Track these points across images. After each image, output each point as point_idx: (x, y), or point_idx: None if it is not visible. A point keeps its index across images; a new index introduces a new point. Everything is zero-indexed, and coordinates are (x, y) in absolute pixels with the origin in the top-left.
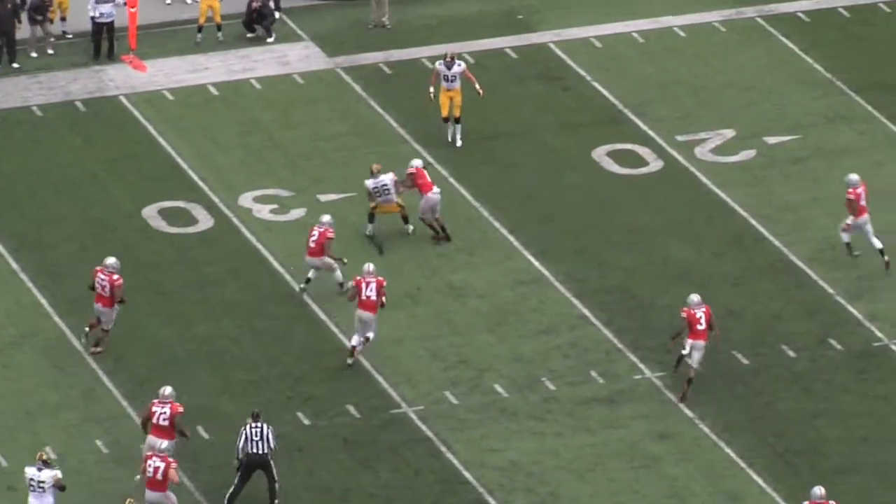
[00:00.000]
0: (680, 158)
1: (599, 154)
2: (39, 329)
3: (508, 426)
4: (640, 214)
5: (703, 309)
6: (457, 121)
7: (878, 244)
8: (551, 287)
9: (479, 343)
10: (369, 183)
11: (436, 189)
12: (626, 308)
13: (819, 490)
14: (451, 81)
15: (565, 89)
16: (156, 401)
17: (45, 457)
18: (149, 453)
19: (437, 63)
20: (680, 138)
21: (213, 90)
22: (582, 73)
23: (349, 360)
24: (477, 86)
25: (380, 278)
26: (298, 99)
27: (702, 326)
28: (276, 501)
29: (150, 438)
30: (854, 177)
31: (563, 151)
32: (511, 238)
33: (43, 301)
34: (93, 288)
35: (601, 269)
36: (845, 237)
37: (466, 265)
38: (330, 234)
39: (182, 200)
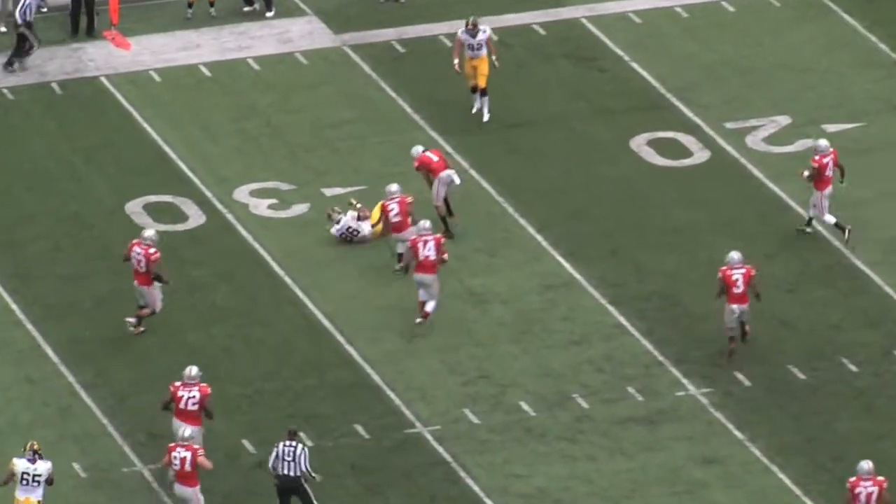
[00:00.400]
0: (728, 148)
1: (638, 143)
2: (10, 339)
3: (535, 448)
4: (683, 211)
5: (743, 270)
6: (483, 92)
7: (832, 219)
8: (583, 292)
9: (501, 355)
10: (334, 230)
11: (450, 169)
12: (668, 316)
13: (867, 465)
14: (477, 50)
15: (600, 71)
16: (179, 384)
17: (36, 446)
18: (171, 445)
19: (459, 31)
20: (729, 126)
21: (204, 71)
22: (618, 52)
23: (418, 320)
24: (494, 57)
25: (437, 235)
26: (301, 81)
27: (738, 289)
28: None
29: (176, 422)
30: (823, 143)
31: (597, 140)
32: (538, 237)
33: (14, 307)
34: (127, 260)
35: (639, 272)
36: (829, 218)
37: (488, 268)
38: (410, 199)
39: (170, 194)
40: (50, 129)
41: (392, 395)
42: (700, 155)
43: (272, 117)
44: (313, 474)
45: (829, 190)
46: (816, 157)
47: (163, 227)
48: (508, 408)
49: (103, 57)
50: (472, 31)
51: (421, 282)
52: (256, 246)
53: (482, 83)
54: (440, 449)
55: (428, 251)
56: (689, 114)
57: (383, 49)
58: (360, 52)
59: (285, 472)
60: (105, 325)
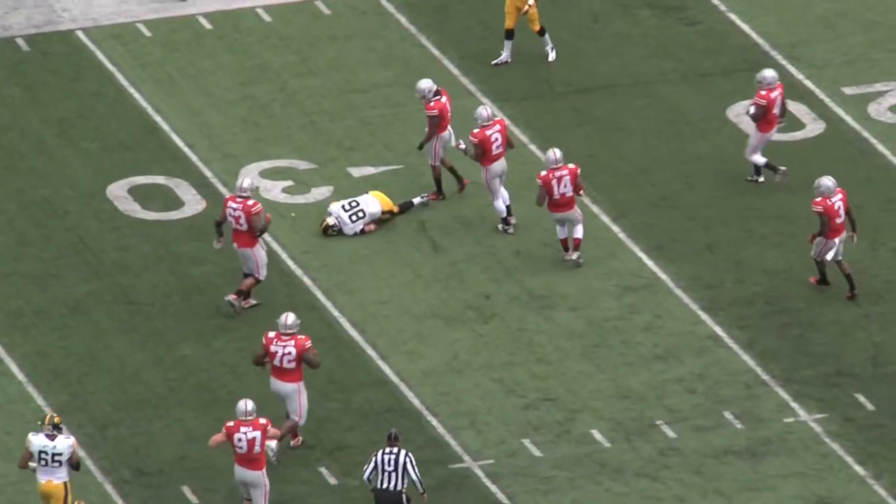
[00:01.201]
0: (848, 119)
1: (738, 113)
2: None
3: (611, 487)
4: (792, 196)
5: (840, 196)
6: (541, 32)
7: (761, 160)
8: (670, 296)
9: (570, 373)
10: (347, 229)
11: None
12: (774, 326)
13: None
14: None
15: (690, 23)
16: (273, 334)
17: (57, 419)
18: (230, 424)
19: None
20: (848, 91)
21: (204, 23)
22: (713, 0)
23: (574, 255)
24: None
25: (571, 165)
26: (322, 35)
27: (841, 219)
28: None
29: (239, 404)
30: (770, 73)
31: (687, 109)
32: (615, 228)
33: None
34: (220, 224)
35: (739, 271)
36: (758, 158)
37: (553, 266)
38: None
39: (161, 175)
40: (14, 95)
41: (435, 423)
42: (813, 127)
43: (287, 80)
44: (422, 486)
45: (772, 133)
46: (763, 92)
47: (153, 216)
48: (578, 438)
49: (80, 6)
50: None
51: (561, 219)
52: (268, 238)
53: (535, 26)
54: (494, 488)
55: (564, 188)
56: (800, 76)
57: None
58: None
59: (384, 484)
60: (81, 335)
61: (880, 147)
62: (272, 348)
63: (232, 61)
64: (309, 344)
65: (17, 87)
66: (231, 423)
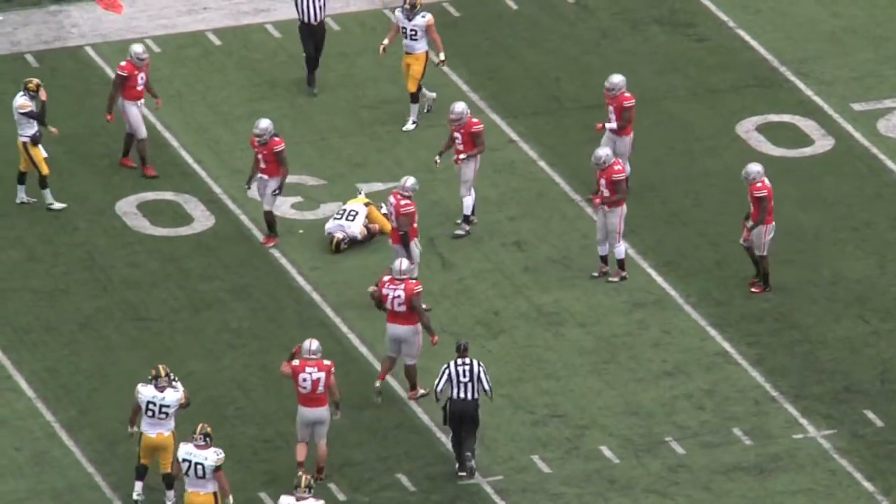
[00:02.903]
0: (857, 135)
1: (746, 129)
2: None
3: (620, 503)
4: (801, 212)
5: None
6: (414, 98)
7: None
8: (679, 312)
9: (579, 389)
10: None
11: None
12: (783, 342)
13: None
14: (412, 39)
15: (699, 40)
16: (388, 278)
17: (166, 371)
18: (295, 363)
19: (396, 11)
20: (857, 107)
21: (213, 39)
22: (722, 16)
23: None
24: (441, 55)
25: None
26: (332, 51)
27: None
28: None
29: (305, 343)
30: (618, 78)
31: (696, 126)
32: (624, 244)
33: None
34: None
35: (748, 287)
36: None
37: (562, 281)
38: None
39: (170, 191)
40: None
41: (444, 439)
42: (822, 143)
43: (296, 96)
44: (492, 394)
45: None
46: (628, 95)
47: (162, 232)
48: (587, 454)
49: (89, 22)
50: (409, 10)
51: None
52: (277, 255)
53: (411, 87)
54: None
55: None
56: (809, 93)
57: (434, 13)
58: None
59: (461, 395)
60: (90, 351)
61: (889, 163)
62: (384, 291)
63: (241, 77)
64: (418, 289)
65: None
66: (296, 363)
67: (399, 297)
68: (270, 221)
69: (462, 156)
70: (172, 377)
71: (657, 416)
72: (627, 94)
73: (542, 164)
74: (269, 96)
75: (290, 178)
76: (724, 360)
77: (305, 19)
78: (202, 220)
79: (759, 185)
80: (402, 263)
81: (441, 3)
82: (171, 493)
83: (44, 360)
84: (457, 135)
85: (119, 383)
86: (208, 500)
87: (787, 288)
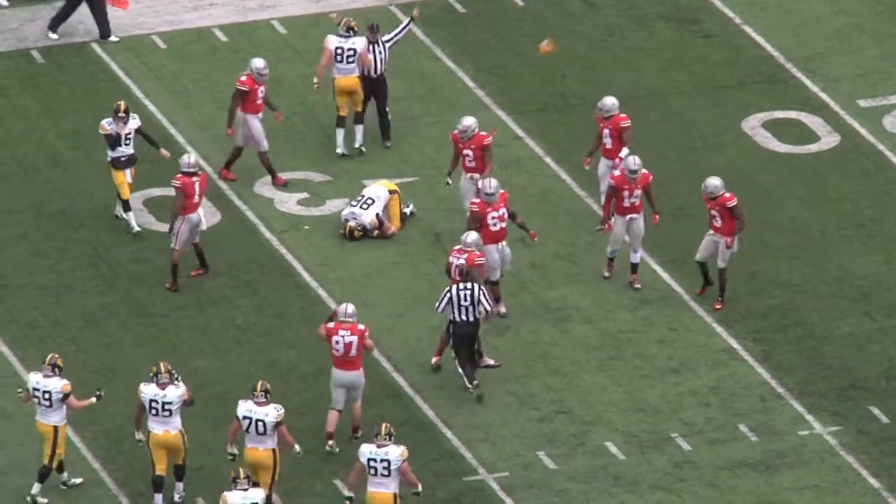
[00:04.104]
0: (863, 132)
1: (752, 125)
2: None
3: (625, 500)
4: (807, 209)
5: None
6: (359, 118)
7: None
8: (685, 309)
9: (584, 386)
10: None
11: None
12: (789, 339)
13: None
14: (349, 63)
15: (705, 36)
16: (457, 248)
17: (167, 368)
18: (330, 325)
19: (329, 36)
20: (863, 104)
21: (219, 35)
22: (728, 13)
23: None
24: (366, 68)
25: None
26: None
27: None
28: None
29: (341, 307)
30: (611, 100)
31: (701, 122)
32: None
33: None
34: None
35: (754, 283)
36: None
37: (568, 278)
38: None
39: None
40: (29, 107)
41: (449, 435)
42: (828, 140)
43: (304, 92)
44: (489, 313)
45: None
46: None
47: (168, 228)
48: (593, 450)
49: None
50: (346, 33)
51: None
52: (283, 251)
53: (359, 105)
54: (508, 500)
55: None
56: (815, 89)
57: (440, 9)
58: (410, 12)
59: (463, 317)
60: (96, 347)
61: (895, 160)
62: (450, 259)
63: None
64: (480, 260)
65: (32, 99)
66: (331, 325)
67: (461, 265)
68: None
69: (476, 175)
70: (174, 374)
71: (663, 413)
72: (623, 115)
73: (548, 160)
74: (275, 92)
75: (296, 174)
76: (729, 357)
77: (364, 72)
78: (208, 216)
79: (727, 195)
80: (469, 237)
81: None
82: (179, 486)
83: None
84: (467, 151)
85: (125, 379)
86: (267, 456)
87: (793, 284)
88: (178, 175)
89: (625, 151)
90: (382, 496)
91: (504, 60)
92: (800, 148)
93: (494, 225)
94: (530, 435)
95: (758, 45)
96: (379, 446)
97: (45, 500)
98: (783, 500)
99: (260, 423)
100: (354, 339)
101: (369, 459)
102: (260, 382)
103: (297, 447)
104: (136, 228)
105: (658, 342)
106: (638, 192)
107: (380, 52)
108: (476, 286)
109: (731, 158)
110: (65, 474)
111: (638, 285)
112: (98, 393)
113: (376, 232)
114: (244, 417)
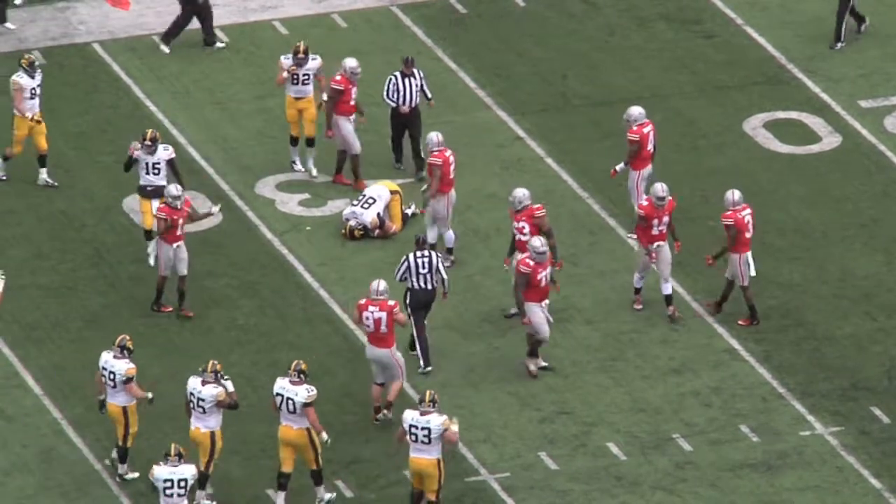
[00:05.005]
0: (864, 132)
1: (753, 126)
2: None
3: (627, 501)
4: (808, 209)
5: (749, 211)
6: (310, 142)
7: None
8: (686, 309)
9: (586, 386)
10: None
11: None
12: (790, 339)
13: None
14: (304, 84)
15: (706, 37)
16: (518, 213)
17: (214, 367)
18: (361, 302)
19: (281, 58)
20: (864, 104)
21: (221, 36)
22: (729, 13)
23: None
24: (324, 95)
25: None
26: (339, 48)
27: (750, 233)
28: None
29: (372, 284)
30: (638, 109)
31: (703, 123)
32: (631, 241)
33: None
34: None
35: (755, 284)
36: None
37: (569, 279)
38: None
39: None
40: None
41: None
42: (830, 140)
43: None
44: (448, 287)
45: (648, 169)
46: (634, 128)
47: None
48: (594, 451)
49: (96, 18)
50: (301, 58)
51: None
52: (285, 252)
53: (310, 131)
54: (510, 501)
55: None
56: (817, 90)
57: (440, 9)
58: (411, 12)
59: (422, 284)
60: (97, 348)
61: None
62: (516, 222)
63: (248, 74)
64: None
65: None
66: (363, 301)
67: (523, 227)
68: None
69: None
70: (221, 374)
71: (664, 413)
72: (635, 128)
73: (549, 161)
74: (277, 93)
75: (298, 175)
76: (731, 358)
77: (398, 103)
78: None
79: (727, 213)
80: (520, 193)
81: (448, 0)
82: (200, 493)
83: (51, 357)
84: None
85: None
86: (301, 436)
87: (795, 285)
88: (161, 206)
89: (620, 166)
90: (425, 462)
91: (505, 61)
92: (801, 148)
93: (542, 283)
94: (531, 435)
95: (759, 46)
96: (422, 414)
97: (136, 475)
98: (784, 500)
99: (290, 402)
100: (384, 314)
101: (411, 426)
102: (295, 362)
103: (324, 435)
104: (153, 263)
105: (660, 343)
106: (666, 219)
107: (415, 86)
108: (433, 254)
109: (733, 159)
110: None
111: (676, 315)
112: (151, 396)
113: (377, 231)
114: (277, 394)
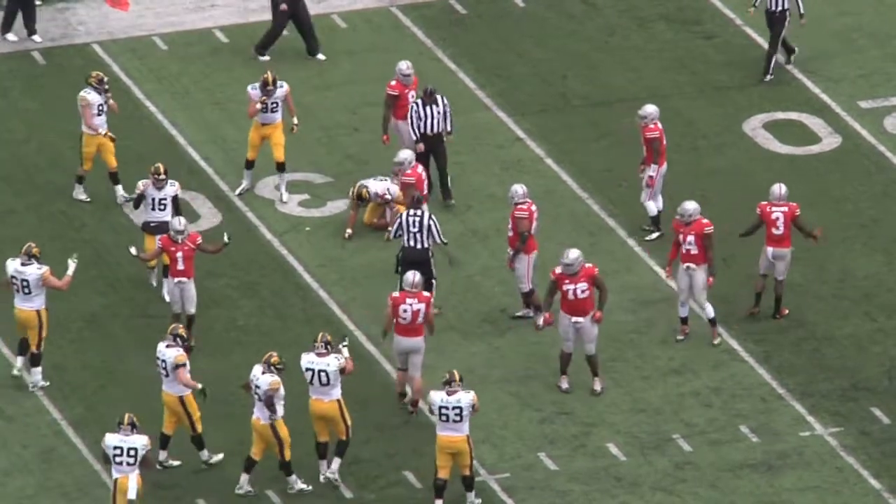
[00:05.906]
0: (864, 133)
1: (753, 126)
2: None
3: (627, 501)
4: (808, 210)
5: (784, 208)
6: (280, 167)
7: (654, 209)
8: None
9: (586, 387)
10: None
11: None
12: (790, 340)
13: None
14: (272, 112)
15: (706, 37)
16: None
17: (327, 337)
18: (395, 295)
19: (249, 87)
20: (864, 105)
21: (220, 36)
22: (729, 13)
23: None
24: (295, 119)
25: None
26: (339, 48)
27: (779, 231)
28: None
29: (407, 276)
30: (652, 108)
31: (702, 123)
32: (631, 242)
33: None
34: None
35: (756, 284)
36: (651, 207)
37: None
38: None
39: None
40: (31, 108)
41: None
42: (829, 141)
43: (304, 94)
44: (445, 242)
45: (665, 166)
46: (651, 125)
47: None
48: (594, 451)
49: (96, 19)
50: (270, 88)
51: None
52: (284, 252)
53: (280, 155)
54: (510, 501)
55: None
56: (816, 90)
57: (440, 10)
58: (411, 13)
59: (413, 243)
60: (97, 348)
61: None
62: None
63: (248, 75)
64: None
65: (33, 100)
66: (397, 294)
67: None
68: None
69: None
70: (279, 364)
71: (664, 414)
72: (651, 126)
73: (549, 161)
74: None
75: (297, 176)
76: (730, 358)
77: (421, 130)
78: (209, 217)
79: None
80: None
81: (448, 0)
82: (244, 478)
83: (51, 358)
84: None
85: (126, 380)
86: (333, 408)
87: (794, 285)
88: (163, 236)
89: (651, 170)
90: (457, 439)
91: (505, 62)
92: (801, 149)
93: (568, 295)
94: (531, 436)
95: (759, 47)
96: (449, 393)
97: (178, 462)
98: (784, 501)
99: (322, 374)
100: (422, 306)
101: (441, 407)
102: (321, 333)
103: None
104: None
105: (659, 343)
106: (691, 237)
107: (438, 112)
108: (426, 214)
109: (733, 159)
110: (163, 456)
111: (716, 340)
112: (202, 387)
113: (380, 202)
114: (307, 369)
